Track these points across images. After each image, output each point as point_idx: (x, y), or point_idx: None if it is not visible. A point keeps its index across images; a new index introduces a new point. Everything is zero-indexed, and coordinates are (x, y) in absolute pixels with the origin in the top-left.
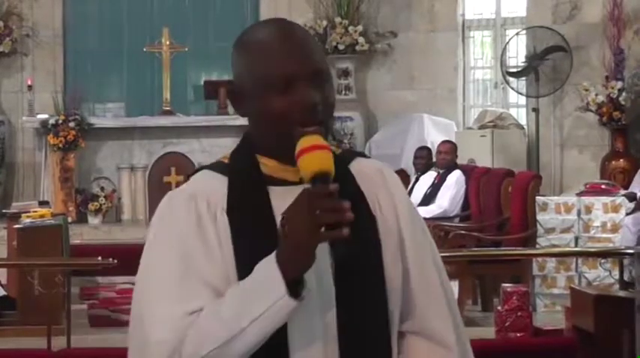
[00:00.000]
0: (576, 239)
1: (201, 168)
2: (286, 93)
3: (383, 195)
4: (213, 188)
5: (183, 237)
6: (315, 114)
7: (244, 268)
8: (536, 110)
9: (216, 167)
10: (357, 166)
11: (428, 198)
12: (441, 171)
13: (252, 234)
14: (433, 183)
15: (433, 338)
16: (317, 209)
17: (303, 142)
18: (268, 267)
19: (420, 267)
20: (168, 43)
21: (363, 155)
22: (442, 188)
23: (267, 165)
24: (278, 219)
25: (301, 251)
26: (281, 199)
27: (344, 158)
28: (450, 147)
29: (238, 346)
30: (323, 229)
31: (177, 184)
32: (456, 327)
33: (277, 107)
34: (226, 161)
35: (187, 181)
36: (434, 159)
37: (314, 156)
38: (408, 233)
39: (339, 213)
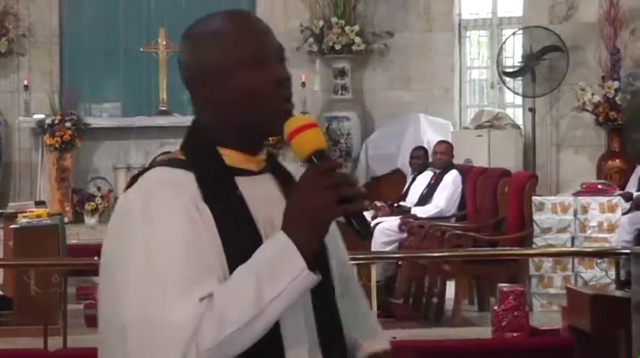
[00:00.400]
0: (573, 239)
1: (153, 165)
2: (259, 70)
3: None
4: (184, 183)
5: (180, 227)
6: (289, 88)
7: (232, 257)
8: (532, 110)
9: (174, 164)
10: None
11: (424, 198)
12: (437, 171)
13: (234, 224)
14: (429, 184)
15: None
16: (332, 184)
17: (294, 122)
18: (281, 245)
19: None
20: (164, 43)
21: None
22: (438, 188)
23: (230, 156)
24: (252, 209)
25: (320, 226)
26: (248, 189)
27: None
28: (446, 147)
29: (259, 326)
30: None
31: None
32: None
33: (253, 83)
34: (182, 157)
35: (138, 181)
36: (430, 159)
37: (309, 134)
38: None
39: (353, 185)
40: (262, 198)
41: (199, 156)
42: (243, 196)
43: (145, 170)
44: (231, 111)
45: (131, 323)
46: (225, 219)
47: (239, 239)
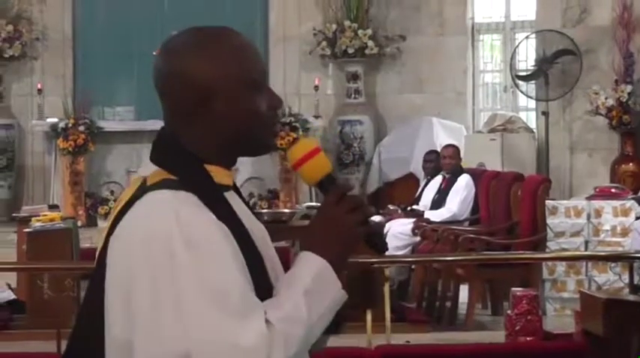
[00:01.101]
0: (586, 243)
1: (142, 193)
2: (262, 93)
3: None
4: (195, 202)
5: (225, 246)
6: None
7: (251, 272)
8: (545, 113)
9: (172, 186)
10: None
11: (436, 203)
12: (447, 176)
13: (241, 239)
14: (440, 188)
15: None
16: (353, 208)
17: (300, 150)
18: (322, 268)
19: None
20: None
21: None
22: (451, 192)
23: (215, 173)
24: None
25: (349, 249)
26: (235, 203)
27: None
28: (453, 151)
29: (310, 340)
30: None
31: None
32: None
33: (257, 106)
34: (172, 177)
35: (148, 204)
36: (444, 161)
37: (317, 160)
38: None
39: (368, 206)
40: (243, 212)
41: (193, 176)
42: (236, 212)
43: (136, 197)
44: (233, 127)
45: (198, 350)
46: (235, 236)
47: (247, 253)
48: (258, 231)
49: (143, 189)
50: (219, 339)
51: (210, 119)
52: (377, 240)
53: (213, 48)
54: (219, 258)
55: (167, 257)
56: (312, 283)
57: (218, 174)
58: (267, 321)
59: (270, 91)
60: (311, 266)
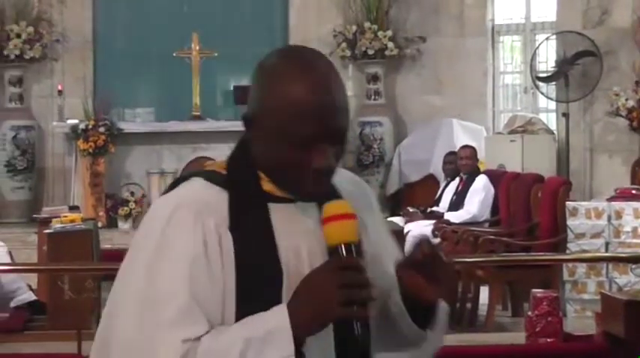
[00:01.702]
0: (607, 244)
1: (192, 175)
2: (303, 150)
3: (366, 215)
4: (215, 204)
5: (191, 258)
6: (327, 178)
7: (245, 290)
8: (566, 115)
9: (213, 178)
10: (338, 180)
11: (454, 204)
12: (464, 177)
13: (255, 254)
14: (457, 190)
15: None
16: (343, 284)
17: (332, 209)
18: (280, 324)
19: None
20: (197, 48)
21: None
22: (469, 193)
23: (268, 182)
24: (278, 237)
25: (320, 320)
26: (280, 216)
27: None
28: (470, 152)
29: None
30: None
31: None
32: None
33: (292, 159)
34: (223, 172)
35: (177, 188)
36: (460, 162)
37: (342, 225)
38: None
39: (366, 290)
40: (294, 227)
41: (239, 176)
42: (272, 224)
43: (184, 178)
44: (269, 163)
45: (118, 344)
46: (246, 248)
47: (256, 270)
48: (308, 250)
49: (196, 173)
50: (134, 343)
51: (258, 141)
52: (358, 328)
53: (279, 83)
54: (174, 269)
55: (139, 247)
56: (262, 334)
57: (270, 183)
58: (197, 339)
59: (318, 152)
60: (273, 319)
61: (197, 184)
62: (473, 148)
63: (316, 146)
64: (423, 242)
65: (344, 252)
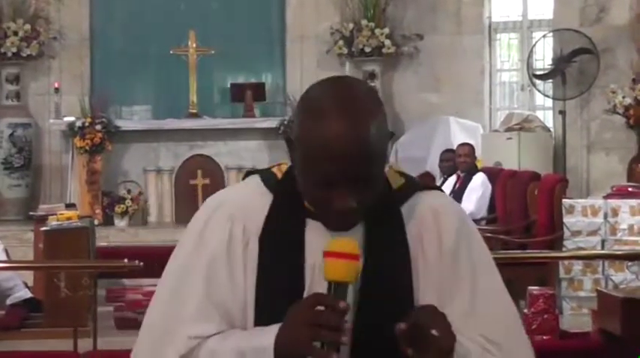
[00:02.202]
0: (603, 242)
1: (255, 171)
2: (325, 190)
3: (429, 238)
4: (254, 209)
5: (211, 258)
6: (348, 220)
7: (263, 299)
8: (562, 113)
9: (268, 180)
10: (411, 204)
11: None
12: (461, 175)
13: (278, 267)
14: (454, 187)
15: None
16: (314, 323)
17: (335, 245)
18: (269, 341)
19: (470, 297)
20: (194, 45)
21: (429, 187)
22: (467, 191)
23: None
24: (308, 253)
25: (292, 350)
26: (314, 233)
27: (401, 196)
28: (469, 150)
29: None
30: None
31: (204, 187)
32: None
33: (314, 197)
34: (279, 175)
35: (231, 186)
36: (458, 159)
37: (338, 264)
38: (452, 270)
39: (337, 334)
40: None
41: (289, 185)
42: (304, 239)
43: (250, 172)
44: (303, 189)
45: (145, 326)
46: (272, 259)
47: (276, 283)
48: None
49: (260, 171)
50: (157, 330)
51: (295, 164)
52: None
53: (310, 120)
54: (200, 267)
55: (183, 238)
56: (253, 350)
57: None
58: (206, 338)
59: (339, 195)
60: (265, 337)
61: (249, 185)
62: (471, 146)
63: (337, 189)
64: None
65: (333, 290)
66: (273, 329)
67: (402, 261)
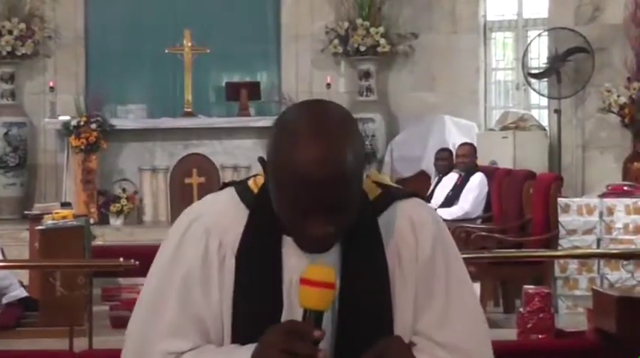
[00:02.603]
0: (598, 240)
1: (232, 183)
2: (300, 215)
3: (406, 250)
4: (230, 223)
5: (187, 272)
6: (323, 245)
7: (241, 316)
8: (558, 111)
9: (245, 195)
10: (388, 215)
11: (450, 200)
12: (462, 174)
13: (256, 283)
14: (455, 186)
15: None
16: (287, 349)
17: (311, 273)
18: None
19: (445, 301)
20: (189, 44)
21: (407, 195)
22: (464, 190)
23: None
24: (285, 270)
25: None
26: (292, 250)
27: (377, 207)
28: (467, 150)
29: None
30: None
31: (199, 186)
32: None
33: (290, 221)
34: (255, 190)
35: (209, 196)
36: (456, 159)
37: (312, 292)
38: (427, 280)
39: None
40: (304, 262)
41: (266, 201)
42: (282, 256)
43: (226, 184)
44: (277, 211)
45: (129, 333)
46: (249, 276)
47: (254, 299)
48: None
49: (235, 183)
50: (137, 340)
51: (269, 185)
52: None
53: (283, 147)
54: (176, 280)
55: (162, 249)
56: None
57: None
58: (181, 353)
59: (313, 221)
60: (239, 355)
61: (225, 197)
62: (471, 146)
63: (313, 216)
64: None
65: (308, 317)
66: (247, 350)
67: (380, 282)
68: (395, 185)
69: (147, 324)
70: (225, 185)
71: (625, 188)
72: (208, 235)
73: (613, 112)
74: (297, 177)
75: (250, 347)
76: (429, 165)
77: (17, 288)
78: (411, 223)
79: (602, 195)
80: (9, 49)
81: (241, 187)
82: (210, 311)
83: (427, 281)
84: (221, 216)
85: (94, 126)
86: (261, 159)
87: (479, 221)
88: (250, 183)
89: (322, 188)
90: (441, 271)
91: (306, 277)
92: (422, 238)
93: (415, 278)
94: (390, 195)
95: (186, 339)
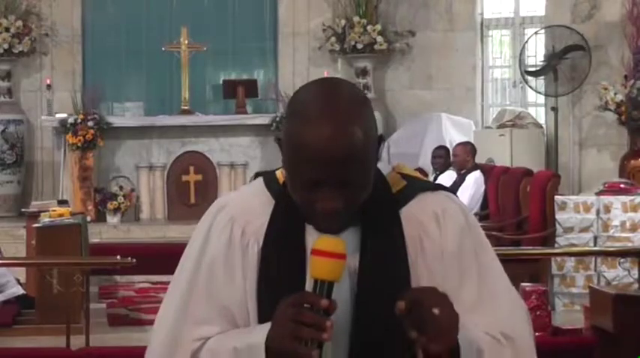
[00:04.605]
0: (595, 238)
1: (261, 174)
2: (311, 191)
3: (430, 241)
4: (254, 211)
5: (212, 260)
6: (334, 220)
7: (264, 301)
8: (554, 109)
9: (271, 185)
10: (412, 208)
11: None
12: (461, 172)
13: (279, 274)
14: (453, 184)
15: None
16: (296, 319)
17: (322, 243)
18: (261, 338)
19: (479, 293)
20: (186, 42)
21: (433, 187)
22: (461, 188)
23: None
24: (309, 259)
25: (277, 346)
26: (316, 238)
27: (400, 199)
28: (461, 149)
29: None
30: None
31: (196, 183)
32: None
33: (301, 199)
34: (282, 179)
35: (244, 186)
36: (452, 159)
37: (324, 262)
38: (456, 271)
39: (319, 331)
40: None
41: (288, 193)
42: (305, 246)
43: (262, 173)
44: (290, 191)
45: (159, 318)
46: (273, 265)
47: (279, 288)
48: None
49: (265, 174)
50: (166, 324)
51: (283, 166)
52: None
53: (296, 123)
54: (193, 264)
55: (193, 238)
56: (246, 347)
57: None
58: (202, 346)
59: (323, 196)
60: (258, 335)
61: (253, 188)
62: (466, 145)
63: (322, 190)
64: (401, 299)
65: (317, 288)
66: (265, 327)
67: (398, 261)
68: (422, 177)
69: (177, 313)
70: (257, 175)
71: (622, 185)
72: (233, 223)
73: (610, 110)
74: (307, 151)
75: (268, 324)
76: (425, 162)
77: (14, 286)
78: (435, 216)
79: (599, 193)
80: (6, 46)
81: (269, 177)
82: (235, 299)
83: (456, 272)
84: (246, 205)
85: (90, 123)
86: (277, 139)
87: (476, 218)
88: (278, 173)
89: (331, 162)
90: (471, 262)
91: (317, 248)
92: (446, 231)
93: (442, 269)
94: (414, 187)
95: (213, 325)
